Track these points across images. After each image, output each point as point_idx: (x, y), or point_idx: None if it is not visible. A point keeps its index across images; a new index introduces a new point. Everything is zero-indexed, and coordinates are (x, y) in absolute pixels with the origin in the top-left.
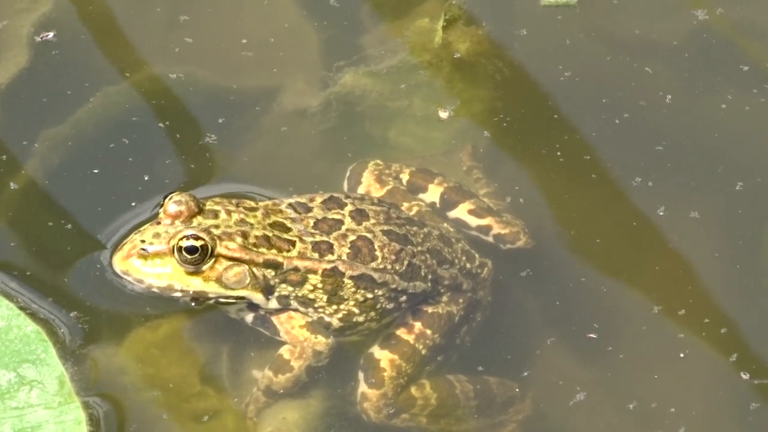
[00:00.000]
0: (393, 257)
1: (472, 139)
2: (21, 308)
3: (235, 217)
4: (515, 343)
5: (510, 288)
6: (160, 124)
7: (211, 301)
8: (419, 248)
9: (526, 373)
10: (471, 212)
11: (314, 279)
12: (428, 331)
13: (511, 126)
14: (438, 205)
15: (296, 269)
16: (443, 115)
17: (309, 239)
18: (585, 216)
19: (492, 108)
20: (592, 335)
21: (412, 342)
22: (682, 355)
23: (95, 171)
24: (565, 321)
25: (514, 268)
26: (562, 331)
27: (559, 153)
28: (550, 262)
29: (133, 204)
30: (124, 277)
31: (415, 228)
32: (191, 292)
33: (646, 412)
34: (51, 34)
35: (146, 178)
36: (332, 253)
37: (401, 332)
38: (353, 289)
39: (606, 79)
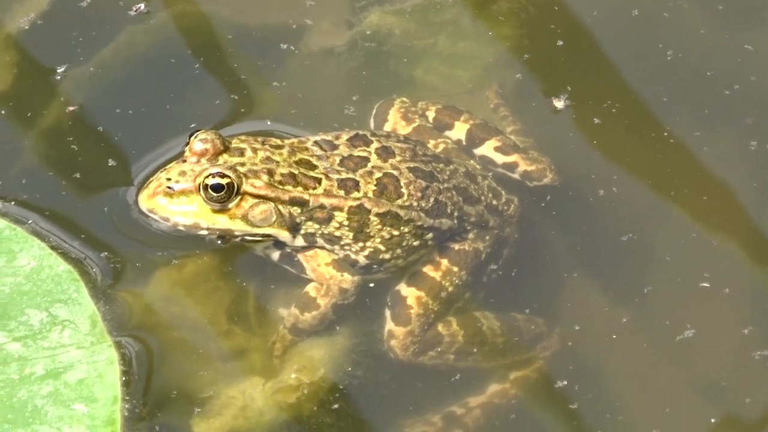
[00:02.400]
0: (419, 194)
1: (498, 77)
2: (53, 248)
3: (261, 154)
4: (542, 279)
5: (537, 225)
6: (186, 63)
7: (237, 239)
8: (445, 185)
9: (553, 310)
10: (497, 149)
11: (340, 216)
12: (455, 268)
13: (537, 64)
14: (464, 143)
15: (322, 206)
16: (559, 104)
17: (335, 176)
18: (614, 152)
19: (519, 45)
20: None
21: (438, 279)
22: (713, 289)
23: (119, 110)
24: (593, 258)
25: (541, 205)
26: (590, 268)
27: (585, 90)
28: (577, 200)
29: (157, 142)
30: (150, 215)
31: (441, 165)
32: (217, 231)
33: (677, 347)
34: None
35: (171, 117)
36: (358, 191)
37: (428, 269)
38: (379, 227)
39: (634, 21)
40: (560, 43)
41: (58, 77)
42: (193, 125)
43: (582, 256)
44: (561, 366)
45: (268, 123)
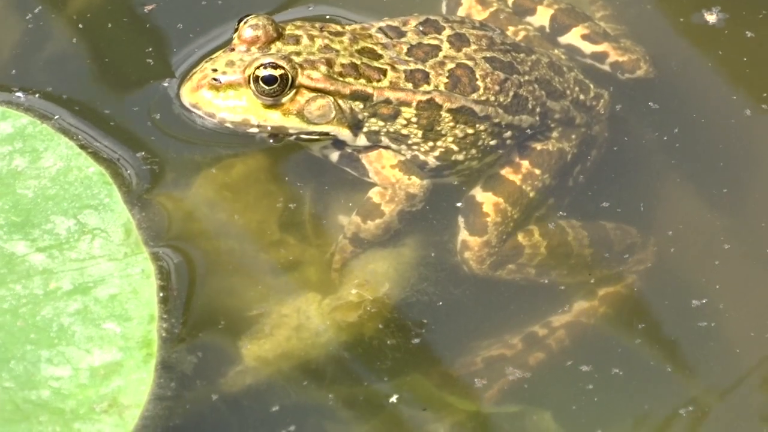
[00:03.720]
0: (497, 87)
1: None
2: (82, 147)
3: (319, 42)
4: (635, 184)
5: (629, 123)
6: None
7: (292, 138)
8: (526, 77)
9: (648, 218)
10: (585, 37)
11: (408, 112)
12: (537, 171)
13: None
14: (548, 30)
15: (388, 101)
16: (710, 18)
17: (402, 67)
18: (716, 43)
19: None
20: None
21: (518, 183)
22: None
23: None
24: (691, 160)
25: (634, 100)
26: (687, 172)
27: None
28: (674, 94)
29: (203, 29)
30: (194, 110)
31: (521, 55)
32: (269, 128)
33: None
34: None
35: (219, 0)
36: (428, 83)
37: (506, 172)
38: (452, 124)
39: None
40: None
41: None
42: (242, 9)
43: (680, 158)
44: (657, 282)
45: (310, 8)
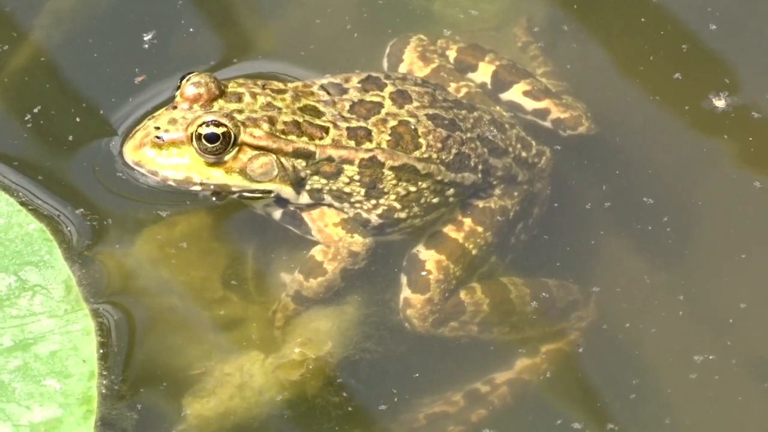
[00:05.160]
0: (439, 145)
1: (527, 11)
2: (22, 204)
3: (261, 100)
4: (577, 241)
5: (571, 179)
6: None
7: (235, 196)
8: (468, 135)
9: (589, 275)
10: (527, 94)
11: (350, 170)
12: (479, 228)
13: None
14: (489, 86)
15: (330, 159)
16: (719, 103)
17: (344, 125)
18: (656, 99)
19: None
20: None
21: (461, 240)
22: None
23: (104, 48)
24: (632, 216)
25: (576, 156)
26: (628, 228)
27: (627, 27)
28: (614, 150)
29: (142, 84)
30: (137, 168)
31: (463, 112)
32: (212, 186)
33: (720, 315)
34: None
35: (162, 56)
36: (370, 141)
37: (449, 230)
38: (394, 182)
39: None
40: None
41: (37, 10)
42: (184, 66)
43: (618, 215)
44: (599, 338)
45: (234, 61)
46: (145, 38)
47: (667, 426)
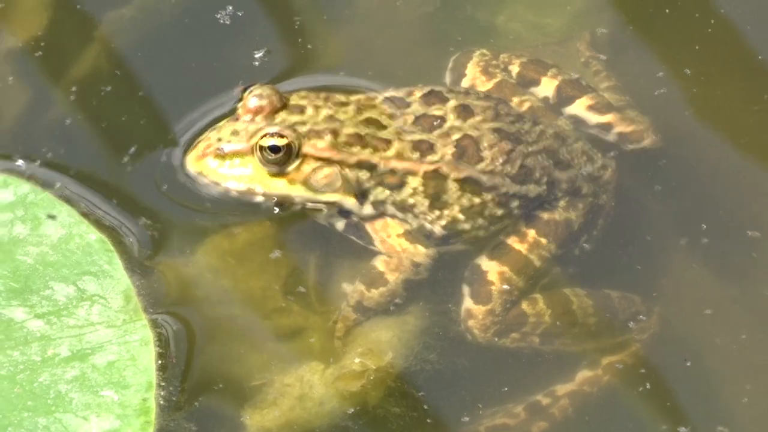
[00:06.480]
0: (503, 158)
1: (591, 26)
2: (83, 214)
3: (324, 112)
4: (641, 253)
5: (635, 192)
6: (240, 8)
7: (297, 207)
8: (532, 148)
9: (652, 287)
10: (590, 108)
11: (414, 182)
12: (543, 240)
13: (636, 11)
14: (552, 101)
15: (393, 171)
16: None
17: (408, 137)
18: (724, 112)
19: None
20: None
21: (524, 252)
22: None
23: (166, 58)
24: (699, 229)
25: (640, 170)
26: (694, 240)
27: (694, 41)
28: (681, 164)
29: (207, 97)
30: (199, 179)
31: (527, 125)
32: (274, 197)
33: None
34: None
35: (225, 68)
36: (434, 153)
37: (512, 241)
38: (458, 194)
39: None
40: None
41: (97, 20)
42: (248, 78)
43: (686, 227)
44: (661, 350)
45: (323, 74)
46: (205, 49)
47: None
